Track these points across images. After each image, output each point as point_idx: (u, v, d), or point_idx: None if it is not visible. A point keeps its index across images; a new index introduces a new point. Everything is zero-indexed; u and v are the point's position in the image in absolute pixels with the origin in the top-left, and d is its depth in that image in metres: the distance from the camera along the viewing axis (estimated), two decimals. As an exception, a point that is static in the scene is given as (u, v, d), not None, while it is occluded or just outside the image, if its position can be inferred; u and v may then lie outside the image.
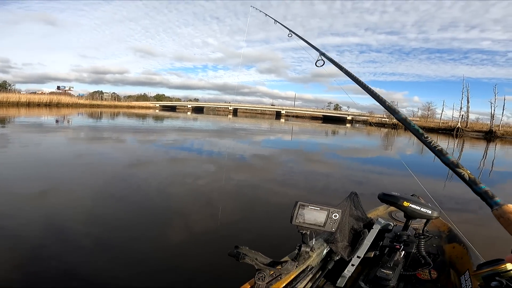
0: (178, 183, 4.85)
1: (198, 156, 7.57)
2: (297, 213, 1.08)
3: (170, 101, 72.31)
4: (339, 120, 50.48)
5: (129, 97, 73.09)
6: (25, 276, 2.02)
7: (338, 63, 1.46)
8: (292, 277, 1.14)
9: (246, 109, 63.63)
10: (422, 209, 1.27)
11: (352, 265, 1.28)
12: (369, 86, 1.08)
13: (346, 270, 1.27)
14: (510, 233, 0.44)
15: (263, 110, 65.15)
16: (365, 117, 49.63)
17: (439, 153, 0.62)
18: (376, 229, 1.38)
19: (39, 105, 32.67)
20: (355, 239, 1.39)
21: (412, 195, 1.47)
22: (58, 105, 35.11)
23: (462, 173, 0.54)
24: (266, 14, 2.63)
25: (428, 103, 44.37)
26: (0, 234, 2.57)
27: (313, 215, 1.09)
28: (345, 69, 1.44)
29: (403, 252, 1.28)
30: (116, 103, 54.13)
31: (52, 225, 2.85)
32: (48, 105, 33.67)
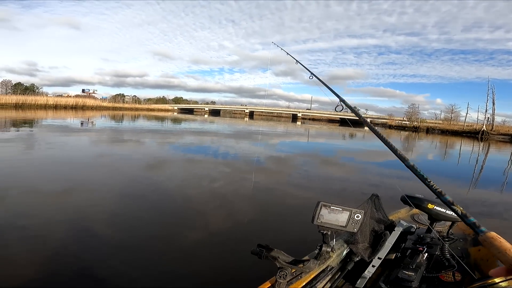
0: (196, 184, 4.94)
1: (215, 158, 7.69)
2: (319, 213, 1.08)
3: (187, 103, 73.82)
4: (357, 123, 49.41)
5: (149, 100, 75.30)
6: (45, 274, 2.08)
7: (356, 111, 1.66)
8: (312, 276, 1.14)
9: (262, 112, 63.79)
10: (447, 212, 1.25)
11: (373, 266, 1.27)
12: (382, 135, 1.24)
13: (366, 271, 1.26)
14: (492, 254, 0.53)
15: (279, 113, 65.04)
16: (384, 120, 48.35)
17: (439, 194, 0.74)
18: (398, 231, 1.37)
19: (65, 107, 34.43)
20: (376, 241, 1.38)
21: (436, 198, 1.47)
22: (83, 107, 36.83)
23: (456, 210, 0.67)
24: (288, 53, 2.73)
25: (452, 106, 42.51)
26: (24, 233, 2.67)
27: (335, 216, 1.09)
28: (362, 116, 1.62)
29: (426, 254, 1.26)
30: (137, 105, 55.92)
31: (73, 224, 2.95)
32: (74, 107, 35.41)
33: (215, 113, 60.77)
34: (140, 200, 3.82)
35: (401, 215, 1.85)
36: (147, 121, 23.81)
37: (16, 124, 14.67)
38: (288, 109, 66.64)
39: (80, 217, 3.10)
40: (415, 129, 34.09)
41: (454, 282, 1.24)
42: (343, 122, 51.13)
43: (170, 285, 2.04)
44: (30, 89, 54.38)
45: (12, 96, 34.98)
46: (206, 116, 47.66)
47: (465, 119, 38.20)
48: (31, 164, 5.48)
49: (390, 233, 1.37)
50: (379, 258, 1.29)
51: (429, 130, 34.36)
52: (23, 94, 38.56)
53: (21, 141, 8.46)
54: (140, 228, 2.96)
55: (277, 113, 65.26)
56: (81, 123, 17.73)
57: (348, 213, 1.09)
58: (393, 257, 1.35)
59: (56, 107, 33.17)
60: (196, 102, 78.04)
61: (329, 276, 1.24)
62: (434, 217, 1.28)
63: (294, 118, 56.51)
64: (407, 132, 32.51)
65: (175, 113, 48.67)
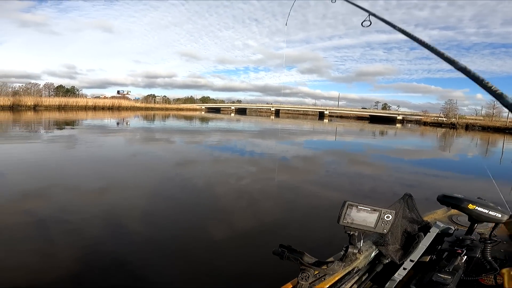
0: (223, 182, 5.05)
1: (242, 157, 7.79)
2: (345, 213, 1.04)
3: (214, 103, 75.37)
4: (388, 120, 47.26)
5: (177, 100, 77.95)
6: (82, 267, 2.20)
7: (388, 21, 1.31)
8: (337, 278, 1.10)
9: (288, 110, 63.29)
10: (490, 212, 1.17)
11: (404, 268, 1.22)
12: (426, 41, 0.94)
13: (396, 273, 1.21)
14: None
15: (305, 110, 64.11)
16: (418, 117, 45.71)
17: (499, 97, 0.62)
18: (433, 232, 1.31)
19: (103, 108, 36.92)
20: (408, 243, 1.31)
21: (478, 198, 1.35)
22: (119, 108, 39.25)
23: None
24: None
25: (493, 101, 39.03)
26: (66, 228, 2.85)
27: (363, 216, 1.05)
28: (397, 26, 1.28)
29: (465, 257, 1.18)
30: (167, 106, 58.29)
31: (108, 220, 3.11)
32: (111, 108, 37.84)
33: (241, 111, 61.41)
34: (170, 198, 3.98)
35: (438, 216, 1.75)
36: (177, 121, 24.73)
37: (59, 124, 15.97)
38: (314, 107, 65.41)
39: (115, 213, 3.29)
40: (453, 126, 31.83)
41: (496, 285, 1.17)
42: (373, 119, 49.15)
43: (192, 281, 2.09)
44: (71, 91, 58.82)
45: (56, 98, 38.15)
46: (232, 114, 48.35)
47: (508, 115, 34.89)
48: (73, 163, 5.96)
49: (425, 235, 1.31)
50: (411, 260, 1.23)
51: (469, 127, 31.90)
52: (65, 96, 41.84)
53: (64, 141, 9.19)
54: (168, 225, 3.07)
55: (303, 111, 64.38)
56: (117, 123, 18.86)
57: (377, 213, 1.05)
58: (427, 260, 1.28)
59: (95, 108, 35.70)
60: (222, 101, 79.44)
61: (355, 278, 1.20)
62: (475, 218, 1.20)
63: (321, 115, 55.38)
64: (444, 129, 30.46)
65: (203, 113, 49.98)
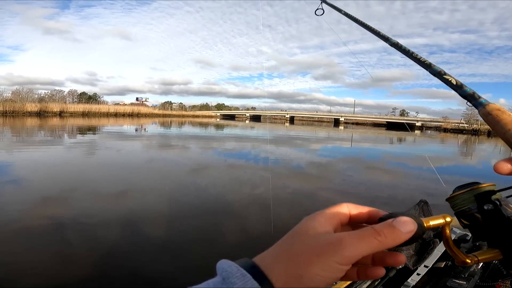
0: (237, 188, 5.13)
1: (256, 164, 7.87)
2: None
3: (229, 110, 76.24)
4: (406, 127, 46.06)
5: (193, 107, 79.60)
6: (98, 270, 2.25)
7: (341, 9, 1.28)
8: (348, 282, 1.10)
9: (303, 116, 63.08)
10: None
11: (418, 274, 1.22)
12: (376, 29, 0.96)
13: (410, 279, 1.21)
14: (494, 131, 0.39)
15: (320, 117, 63.67)
16: (438, 123, 44.32)
17: (427, 66, 0.62)
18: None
19: (123, 115, 38.37)
20: (423, 249, 1.32)
21: None
22: (138, 115, 40.65)
23: (450, 79, 0.54)
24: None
25: (520, 106, 37.23)
26: (84, 231, 2.93)
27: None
28: (347, 13, 1.25)
29: (482, 263, 1.19)
30: (184, 112, 59.69)
31: (125, 224, 3.20)
32: (130, 115, 39.22)
33: (255, 118, 61.78)
34: (185, 203, 4.07)
35: (455, 223, 1.77)
36: (193, 128, 25.25)
37: (83, 131, 16.74)
38: (329, 114, 64.86)
39: (131, 218, 3.39)
40: (475, 132, 30.63)
41: None
42: (390, 126, 48.06)
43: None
44: (93, 98, 61.40)
45: (80, 105, 40.14)
46: (247, 121, 48.72)
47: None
48: (93, 167, 6.25)
49: (440, 241, 1.29)
50: (425, 266, 1.24)
51: (491, 133, 30.58)
52: (87, 103, 43.76)
53: (87, 147, 9.64)
54: (183, 230, 3.14)
55: (318, 117, 63.97)
56: (136, 130, 19.51)
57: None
58: (442, 266, 1.28)
59: (116, 115, 37.17)
60: (237, 108, 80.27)
61: (368, 283, 1.20)
62: None
63: (336, 122, 54.76)
64: (465, 136, 29.35)
65: (218, 119, 50.66)
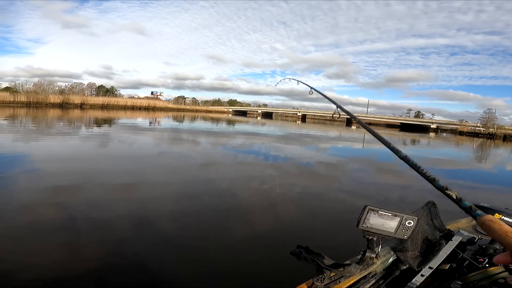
0: (246, 184, 5.20)
1: (266, 161, 7.97)
2: (365, 217, 1.05)
3: (241, 106, 76.52)
4: (421, 129, 45.25)
5: (206, 102, 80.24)
6: (104, 264, 2.27)
7: (351, 114, 1.57)
8: (352, 281, 1.09)
9: (315, 115, 62.71)
10: None
11: (422, 275, 1.19)
12: (373, 130, 1.11)
13: (413, 279, 1.18)
14: (492, 237, 0.50)
15: (334, 116, 62.95)
16: (454, 126, 43.32)
17: (432, 181, 0.70)
18: (456, 240, 1.29)
19: (140, 108, 39.44)
20: (428, 250, 1.30)
21: (505, 208, 1.38)
22: (154, 108, 41.68)
23: (451, 194, 0.64)
24: (289, 79, 2.59)
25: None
26: (93, 224, 2.98)
27: (383, 221, 1.05)
28: (356, 118, 1.50)
29: (487, 265, 1.14)
30: (197, 107, 60.48)
31: (134, 217, 3.24)
32: (146, 108, 40.26)
33: (267, 115, 61.90)
34: (193, 198, 4.15)
35: (461, 225, 1.72)
36: (206, 122, 25.73)
37: (103, 122, 17.52)
38: (342, 113, 64.08)
39: (141, 211, 3.45)
40: (490, 136, 29.92)
41: None
42: (404, 127, 47.29)
43: (209, 281, 2.18)
44: (110, 91, 62.86)
45: (99, 97, 41.49)
46: (259, 118, 49.01)
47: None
48: (105, 160, 6.45)
49: (447, 243, 1.29)
50: (430, 267, 1.21)
51: (507, 137, 29.80)
52: (105, 96, 45.03)
53: (101, 138, 10.07)
54: (191, 224, 3.19)
55: (330, 116, 63.31)
56: (150, 123, 20.18)
57: (398, 219, 1.05)
58: (446, 268, 1.26)
59: (132, 108, 38.29)
60: (248, 105, 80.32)
61: (371, 282, 1.18)
62: None
63: (349, 122, 54.21)
64: (480, 139, 28.72)
65: (230, 115, 51.05)
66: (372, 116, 58.82)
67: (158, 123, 20.47)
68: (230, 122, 29.24)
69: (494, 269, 0.79)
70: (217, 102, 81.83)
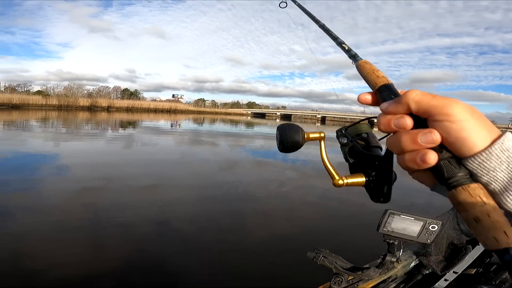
0: (265, 186, 5.21)
1: (285, 163, 8.01)
2: (386, 221, 1.03)
3: (259, 108, 76.88)
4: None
5: (225, 105, 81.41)
6: (126, 262, 2.34)
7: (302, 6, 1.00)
8: (371, 285, 1.07)
9: (335, 117, 61.76)
10: None
11: (446, 280, 1.18)
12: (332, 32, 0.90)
13: (437, 284, 1.16)
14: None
15: (353, 118, 61.82)
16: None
17: (335, 38, 0.55)
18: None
19: (162, 111, 40.83)
20: (453, 254, 1.27)
21: None
22: (175, 111, 42.97)
23: (345, 47, 0.50)
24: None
25: None
26: (117, 222, 3.07)
27: (405, 225, 1.03)
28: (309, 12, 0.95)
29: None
30: (216, 110, 61.64)
31: (155, 217, 3.32)
32: (168, 111, 41.58)
33: (286, 117, 61.69)
34: (213, 199, 4.21)
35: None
36: (225, 125, 26.11)
37: (128, 125, 18.30)
38: (363, 115, 62.78)
39: (161, 212, 3.51)
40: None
41: None
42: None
43: (226, 282, 2.20)
44: (134, 94, 65.52)
45: (124, 100, 43.56)
46: (277, 120, 48.98)
47: None
48: (128, 161, 6.74)
49: (474, 248, 1.26)
50: (454, 272, 1.19)
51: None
52: (129, 99, 46.98)
53: (127, 140, 10.52)
54: (209, 225, 3.24)
55: (351, 118, 62.16)
56: (171, 125, 20.80)
57: (421, 223, 1.03)
58: (472, 272, 1.24)
59: (155, 111, 39.73)
60: (267, 107, 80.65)
61: (392, 286, 1.16)
62: None
63: (370, 124, 52.78)
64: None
65: (249, 117, 51.38)
66: (395, 118, 56.87)
67: (179, 126, 21.07)
68: (249, 124, 29.46)
69: None
70: (236, 105, 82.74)
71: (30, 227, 2.85)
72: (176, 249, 2.64)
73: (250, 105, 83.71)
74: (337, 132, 0.43)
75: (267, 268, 2.39)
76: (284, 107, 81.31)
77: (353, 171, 0.41)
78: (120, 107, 37.86)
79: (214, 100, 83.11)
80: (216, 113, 53.47)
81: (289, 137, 0.41)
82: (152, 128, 17.05)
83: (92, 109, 34.17)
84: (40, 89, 51.84)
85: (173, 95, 76.28)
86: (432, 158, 0.27)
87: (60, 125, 15.38)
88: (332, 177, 0.40)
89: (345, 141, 0.42)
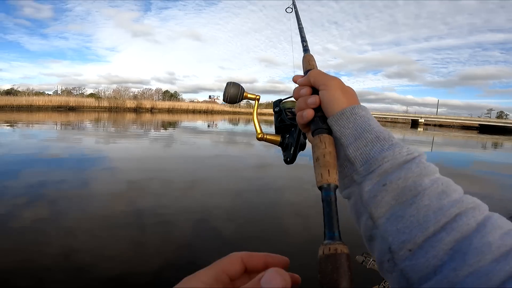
0: (299, 187, 5.19)
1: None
2: None
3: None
4: (505, 131, 38.70)
5: (260, 105, 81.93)
6: (164, 260, 2.41)
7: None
8: None
9: (374, 117, 58.81)
10: None
11: None
12: None
13: None
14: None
15: (394, 118, 58.34)
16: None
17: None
18: None
19: (200, 112, 42.63)
20: None
21: None
22: (212, 112, 44.53)
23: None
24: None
25: None
26: (157, 221, 3.21)
27: None
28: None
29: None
30: (251, 110, 62.12)
31: (191, 216, 3.42)
32: (205, 112, 43.25)
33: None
34: (248, 199, 4.26)
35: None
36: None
37: (170, 125, 19.39)
38: (405, 114, 58.91)
39: (198, 211, 3.63)
40: None
41: None
42: (484, 129, 41.06)
43: None
44: (174, 96, 69.09)
45: (166, 102, 46.29)
46: (312, 120, 48.05)
47: None
48: (168, 160, 7.00)
49: None
50: None
51: None
52: (169, 100, 49.64)
53: (165, 141, 11.04)
54: (244, 225, 3.27)
55: (392, 118, 58.70)
56: (208, 126, 21.56)
57: None
58: None
59: (193, 112, 41.62)
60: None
61: None
62: None
63: (414, 124, 49.45)
64: None
65: (283, 117, 51.01)
66: (444, 117, 52.62)
67: (216, 126, 21.77)
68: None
69: None
70: (271, 105, 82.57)
71: (80, 222, 3.09)
72: (212, 246, 2.71)
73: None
74: (274, 102, 0.55)
75: (306, 270, 2.40)
76: (319, 107, 79.30)
77: (277, 133, 0.53)
78: (162, 108, 40.30)
79: (248, 101, 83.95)
80: (251, 114, 54.03)
81: (230, 91, 0.55)
82: (190, 128, 17.91)
83: (137, 110, 36.83)
84: (92, 92, 57.28)
85: (210, 96, 78.58)
86: (309, 114, 0.37)
87: (111, 126, 16.86)
88: (256, 131, 0.53)
89: (277, 110, 0.54)
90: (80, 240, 2.71)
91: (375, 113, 58.12)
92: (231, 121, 28.81)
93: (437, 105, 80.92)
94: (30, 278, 2.12)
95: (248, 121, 30.62)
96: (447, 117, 52.15)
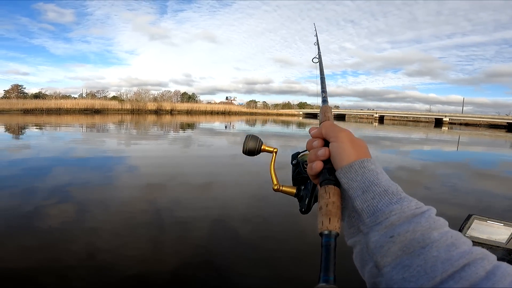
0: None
1: None
2: (468, 227, 1.00)
3: (311, 108, 75.26)
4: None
5: (276, 106, 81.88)
6: (178, 259, 2.45)
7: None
8: None
9: (394, 116, 57.04)
10: None
11: None
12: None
13: None
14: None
15: (416, 117, 56.26)
16: None
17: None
18: None
19: (217, 113, 43.33)
20: None
21: None
22: (229, 113, 45.11)
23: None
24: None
25: None
26: (175, 220, 3.27)
27: (491, 231, 0.99)
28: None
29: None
30: (268, 111, 62.60)
31: (210, 216, 3.46)
32: (222, 113, 43.85)
33: (339, 117, 59.19)
34: (263, 201, 4.22)
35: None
36: (277, 125, 26.35)
37: (187, 126, 19.80)
38: (428, 113, 56.64)
39: (215, 211, 3.67)
40: None
41: None
42: (514, 129, 38.69)
43: (276, 284, 2.23)
44: (192, 98, 70.44)
45: (185, 104, 47.51)
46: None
47: None
48: (186, 161, 7.26)
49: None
50: None
51: None
52: (187, 102, 50.78)
53: (183, 141, 11.33)
54: (260, 227, 3.28)
55: (413, 117, 56.64)
56: (225, 127, 21.81)
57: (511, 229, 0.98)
58: None
59: (211, 113, 42.42)
60: (318, 107, 78.01)
61: None
62: None
63: (438, 123, 47.43)
64: None
65: (300, 118, 50.80)
66: (470, 115, 50.04)
67: (233, 127, 21.99)
68: (300, 125, 29.17)
69: None
70: (287, 105, 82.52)
71: (103, 222, 3.20)
72: (228, 246, 2.74)
73: (301, 105, 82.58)
74: (292, 155, 0.57)
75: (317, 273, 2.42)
76: (337, 107, 78.00)
77: (294, 184, 0.55)
78: (181, 110, 41.37)
79: (265, 101, 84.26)
80: (268, 114, 54.25)
81: (249, 145, 0.58)
82: (207, 129, 18.19)
83: (158, 112, 37.98)
84: (115, 95, 59.61)
85: (227, 98, 79.67)
86: (318, 166, 0.38)
87: (134, 128, 17.49)
88: (273, 182, 0.55)
89: (295, 163, 0.56)
90: (102, 239, 2.80)
91: (396, 113, 56.32)
92: (248, 122, 28.96)
93: (463, 103, 77.11)
94: (56, 276, 2.19)
95: (264, 121, 30.66)
96: (473, 115, 49.54)
